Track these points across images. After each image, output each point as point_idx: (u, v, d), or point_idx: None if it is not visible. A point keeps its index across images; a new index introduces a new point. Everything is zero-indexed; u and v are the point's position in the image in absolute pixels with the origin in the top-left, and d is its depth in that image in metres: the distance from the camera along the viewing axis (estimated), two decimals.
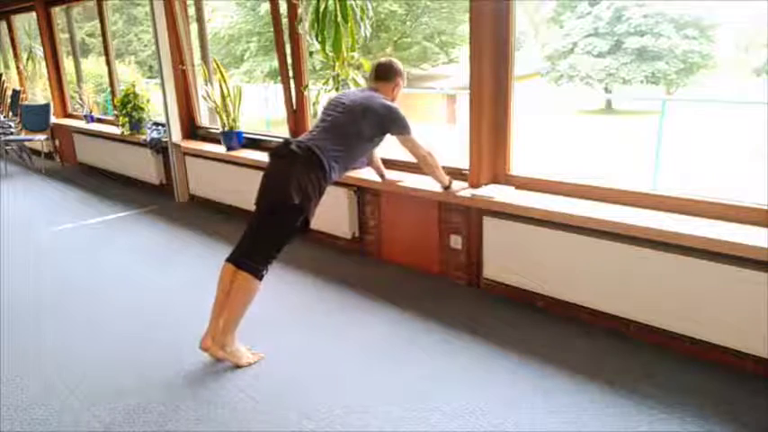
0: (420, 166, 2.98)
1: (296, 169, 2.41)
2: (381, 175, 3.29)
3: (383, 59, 2.89)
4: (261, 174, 2.57)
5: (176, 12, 4.80)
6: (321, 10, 3.26)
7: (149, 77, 12.60)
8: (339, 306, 3.02)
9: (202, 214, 4.78)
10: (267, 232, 2.46)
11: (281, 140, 2.58)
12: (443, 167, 3.01)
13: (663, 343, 2.45)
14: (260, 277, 2.41)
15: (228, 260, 2.47)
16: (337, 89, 3.43)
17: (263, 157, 4.16)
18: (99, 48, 8.61)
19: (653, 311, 2.44)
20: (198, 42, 5.14)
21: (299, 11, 3.60)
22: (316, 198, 2.46)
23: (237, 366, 2.41)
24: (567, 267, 2.68)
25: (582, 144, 10.36)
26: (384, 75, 2.84)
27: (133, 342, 2.69)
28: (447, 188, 3.00)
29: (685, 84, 12.42)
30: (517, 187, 2.97)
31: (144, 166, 5.52)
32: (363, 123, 2.62)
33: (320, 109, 2.91)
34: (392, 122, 2.71)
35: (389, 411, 2.11)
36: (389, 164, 3.49)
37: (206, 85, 4.73)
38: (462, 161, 3.15)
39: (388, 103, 2.75)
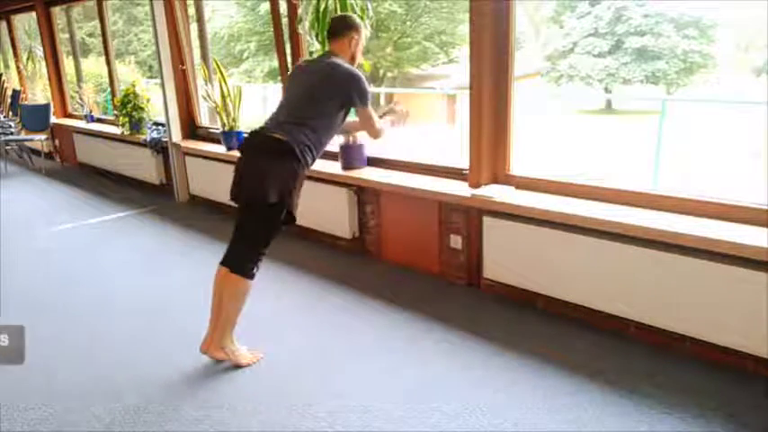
0: (368, 136, 2.77)
1: (270, 164, 2.31)
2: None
3: (336, 15, 2.69)
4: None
5: (176, 12, 4.80)
6: (321, 10, 3.26)
7: (149, 77, 12.58)
8: (339, 306, 3.02)
9: (202, 214, 4.77)
10: (251, 231, 2.41)
11: (250, 132, 2.45)
12: (444, 167, 3.10)
13: (663, 343, 2.45)
14: (251, 276, 2.38)
15: (221, 263, 2.44)
16: None
17: None
18: (99, 48, 8.60)
19: (653, 311, 2.43)
20: (198, 42, 5.14)
21: (299, 10, 3.60)
22: (296, 189, 2.36)
23: (237, 366, 2.41)
24: (567, 267, 2.67)
25: (582, 144, 10.34)
26: (336, 31, 2.60)
27: (133, 342, 2.69)
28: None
29: (685, 84, 12.40)
30: (517, 187, 2.97)
31: (144, 166, 5.51)
32: (326, 101, 2.44)
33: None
34: (354, 91, 2.46)
35: (389, 411, 2.11)
36: (389, 164, 3.50)
37: (206, 84, 4.73)
38: (462, 161, 3.16)
39: (351, 70, 2.50)
